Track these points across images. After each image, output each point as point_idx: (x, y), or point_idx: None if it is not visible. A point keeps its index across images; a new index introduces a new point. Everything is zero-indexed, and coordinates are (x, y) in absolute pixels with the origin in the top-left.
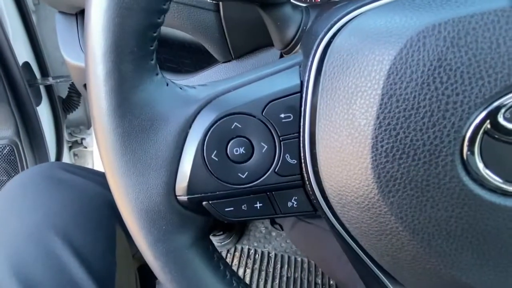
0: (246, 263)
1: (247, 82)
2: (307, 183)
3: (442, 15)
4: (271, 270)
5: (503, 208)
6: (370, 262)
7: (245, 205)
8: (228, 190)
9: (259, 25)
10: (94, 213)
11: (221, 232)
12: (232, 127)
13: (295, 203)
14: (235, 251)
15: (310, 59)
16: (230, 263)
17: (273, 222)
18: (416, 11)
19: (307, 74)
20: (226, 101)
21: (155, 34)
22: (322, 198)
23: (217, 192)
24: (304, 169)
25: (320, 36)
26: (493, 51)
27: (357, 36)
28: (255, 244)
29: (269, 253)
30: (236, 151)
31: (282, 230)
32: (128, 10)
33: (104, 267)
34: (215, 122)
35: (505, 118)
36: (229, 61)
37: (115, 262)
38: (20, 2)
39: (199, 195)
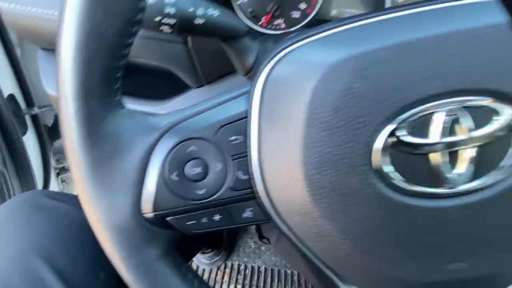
0: (237, 279)
1: (201, 110)
2: (258, 195)
3: (353, 50)
4: (261, 284)
5: (413, 206)
6: (320, 263)
7: (205, 218)
8: (189, 205)
9: (226, 53)
10: (77, 235)
11: (210, 250)
12: (189, 150)
13: (251, 213)
14: (225, 267)
15: (252, 88)
16: (220, 280)
17: (261, 237)
18: (336, 46)
19: (250, 102)
20: (183, 128)
21: (118, 75)
22: (271, 208)
23: (179, 208)
24: (254, 184)
25: (261, 67)
26: (390, 80)
27: (290, 67)
28: (245, 260)
29: (259, 267)
30: (194, 171)
31: (270, 244)
32: (92, 57)
33: (87, 286)
34: (174, 147)
35: (406, 133)
36: (202, 86)
37: (98, 281)
38: (4, 37)
39: (163, 211)
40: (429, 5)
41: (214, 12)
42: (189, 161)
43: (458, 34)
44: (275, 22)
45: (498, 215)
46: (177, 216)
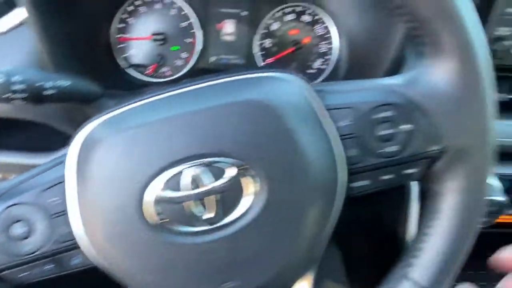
0: None
1: (24, 179)
2: (79, 245)
3: (124, 126)
4: None
5: (185, 244)
6: None
7: (37, 269)
8: (18, 261)
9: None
10: None
11: None
12: (14, 214)
13: (79, 259)
14: None
15: (67, 153)
16: None
17: None
18: (116, 123)
19: (65, 165)
20: (8, 195)
21: None
22: (90, 254)
23: (9, 264)
24: (73, 236)
25: (73, 136)
26: (149, 150)
27: (91, 136)
28: None
29: None
30: (19, 231)
31: None
32: None
33: None
34: (1, 213)
35: (166, 188)
36: None
37: None
38: None
39: None
40: (185, 87)
41: (64, 83)
42: (15, 222)
43: (197, 113)
44: (161, 70)
45: (248, 240)
46: (10, 271)
